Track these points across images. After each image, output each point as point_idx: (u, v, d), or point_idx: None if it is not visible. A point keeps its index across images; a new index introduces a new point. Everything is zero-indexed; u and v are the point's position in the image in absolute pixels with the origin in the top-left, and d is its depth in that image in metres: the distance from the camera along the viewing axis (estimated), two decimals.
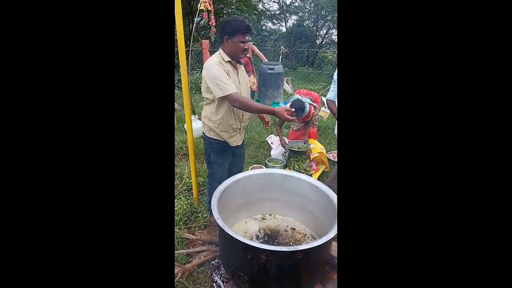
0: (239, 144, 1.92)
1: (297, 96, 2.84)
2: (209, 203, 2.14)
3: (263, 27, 10.30)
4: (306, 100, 2.75)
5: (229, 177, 1.73)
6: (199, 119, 1.94)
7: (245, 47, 1.68)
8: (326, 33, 10.01)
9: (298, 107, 2.55)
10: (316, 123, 3.19)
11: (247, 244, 1.19)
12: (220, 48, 1.72)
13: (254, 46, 5.05)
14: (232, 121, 1.78)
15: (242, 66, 1.88)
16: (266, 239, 1.72)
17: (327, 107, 2.21)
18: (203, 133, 1.89)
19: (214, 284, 1.60)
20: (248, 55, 4.52)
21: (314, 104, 2.85)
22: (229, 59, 1.69)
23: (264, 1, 10.20)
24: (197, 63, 6.13)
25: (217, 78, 1.59)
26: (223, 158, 1.88)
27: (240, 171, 1.98)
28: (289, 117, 1.65)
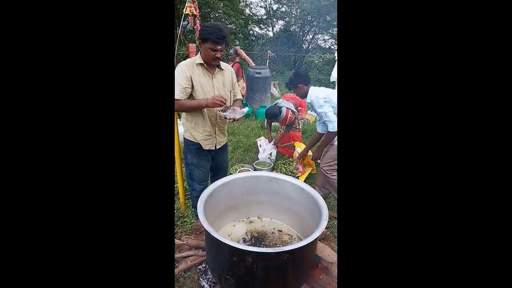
0: (212, 148, 1.88)
1: (279, 101, 2.90)
2: (194, 206, 2.12)
3: (250, 32, 10.36)
4: (285, 105, 2.82)
5: (212, 181, 1.71)
6: None
7: (216, 56, 1.61)
8: (312, 38, 10.18)
9: (272, 112, 2.84)
10: (299, 127, 3.22)
11: (233, 246, 1.19)
12: None
13: (242, 51, 5.08)
14: (204, 123, 1.79)
15: (227, 71, 1.81)
16: (253, 241, 1.72)
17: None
18: (183, 134, 1.90)
19: None
20: (237, 59, 4.53)
21: (294, 109, 2.90)
22: (201, 62, 1.66)
23: (251, 6, 10.30)
24: None
25: (175, 79, 1.62)
26: (198, 159, 1.89)
27: (224, 175, 1.97)
28: (217, 101, 1.57)
